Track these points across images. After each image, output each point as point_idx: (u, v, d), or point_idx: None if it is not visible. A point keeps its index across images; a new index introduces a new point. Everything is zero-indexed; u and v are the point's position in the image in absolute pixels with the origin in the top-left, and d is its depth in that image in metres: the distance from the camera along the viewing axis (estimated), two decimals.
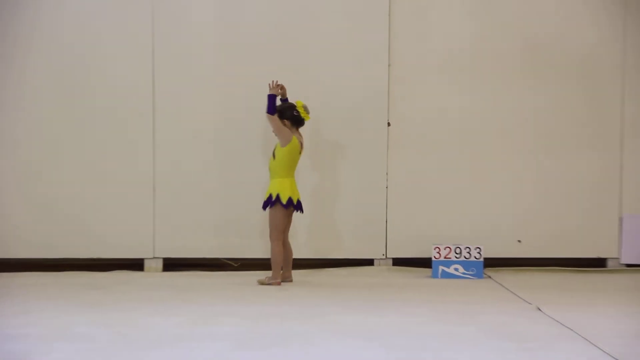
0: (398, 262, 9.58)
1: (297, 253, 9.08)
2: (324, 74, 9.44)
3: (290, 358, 5.96)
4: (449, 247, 9.19)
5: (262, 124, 9.19)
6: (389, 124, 9.51)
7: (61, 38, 9.26)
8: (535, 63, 9.57)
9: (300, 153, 8.52)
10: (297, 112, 8.51)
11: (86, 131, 9.31)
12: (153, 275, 9.23)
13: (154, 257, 9.41)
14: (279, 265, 8.53)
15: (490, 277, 9.18)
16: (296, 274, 9.11)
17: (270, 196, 8.43)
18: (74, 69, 9.27)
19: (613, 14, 9.57)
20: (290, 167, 8.46)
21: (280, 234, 8.46)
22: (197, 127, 9.39)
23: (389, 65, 9.48)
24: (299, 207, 8.52)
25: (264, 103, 8.96)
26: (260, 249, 9.41)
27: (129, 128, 9.34)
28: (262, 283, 8.56)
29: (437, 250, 9.19)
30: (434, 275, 9.18)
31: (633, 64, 9.58)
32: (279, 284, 8.55)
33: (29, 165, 9.27)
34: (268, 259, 9.30)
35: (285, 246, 8.63)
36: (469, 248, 9.18)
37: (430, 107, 9.54)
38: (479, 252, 9.17)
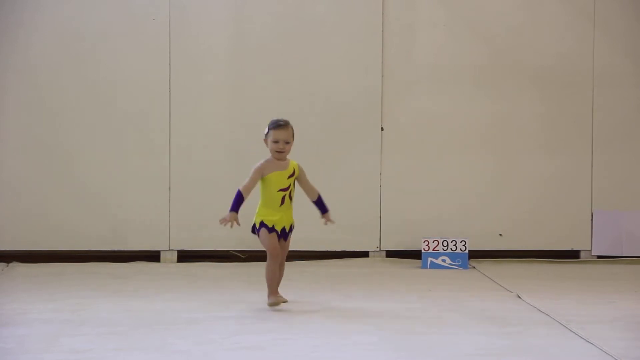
0: (390, 254, 9.55)
1: (299, 246, 8.97)
2: (324, 85, 9.42)
3: (293, 341, 5.94)
4: (437, 240, 9.16)
5: None
6: (382, 129, 9.49)
7: (85, 49, 9.24)
8: (513, 74, 9.55)
9: None
10: None
11: (108, 132, 9.28)
12: (168, 265, 9.20)
13: (170, 249, 9.37)
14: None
15: (474, 267, 9.16)
16: (298, 264, 9.09)
17: (292, 226, 7.30)
18: (97, 72, 9.25)
19: (582, 28, 9.54)
20: None
21: None
22: (210, 129, 9.37)
23: (382, 77, 9.46)
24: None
25: (271, 107, 8.99)
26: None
27: (148, 129, 9.31)
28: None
29: (426, 243, 9.16)
30: (424, 266, 9.15)
31: (599, 75, 9.56)
32: None
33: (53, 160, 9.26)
34: None
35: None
36: (455, 241, 9.16)
37: (419, 114, 9.52)
38: (464, 245, 9.15)
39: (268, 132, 7.17)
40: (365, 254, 9.54)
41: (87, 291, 7.69)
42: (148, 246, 9.37)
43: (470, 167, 9.56)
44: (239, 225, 7.04)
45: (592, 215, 9.62)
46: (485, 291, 7.87)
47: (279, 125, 7.16)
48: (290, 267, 8.86)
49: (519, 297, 7.50)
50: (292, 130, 7.18)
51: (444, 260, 9.14)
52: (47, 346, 5.73)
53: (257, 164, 7.18)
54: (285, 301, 7.04)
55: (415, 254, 9.37)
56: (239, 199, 7.09)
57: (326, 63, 9.44)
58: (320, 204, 7.41)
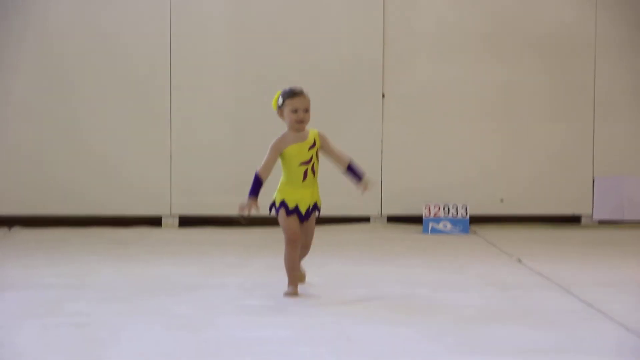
0: (392, 219, 9.55)
1: None
2: (325, 54, 9.40)
3: (294, 306, 5.94)
4: (438, 205, 9.16)
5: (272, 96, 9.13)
6: (383, 96, 9.47)
7: (85, 18, 9.23)
8: (515, 41, 9.53)
9: None
10: None
11: (109, 98, 9.27)
12: (170, 231, 9.20)
13: (171, 215, 9.38)
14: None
15: (475, 232, 9.16)
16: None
17: (317, 206, 6.44)
18: (98, 45, 9.24)
19: None
20: None
21: None
22: (212, 95, 9.36)
23: (383, 45, 9.43)
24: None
25: (271, 74, 8.98)
26: (266, 208, 9.37)
27: (148, 95, 9.30)
28: None
29: (428, 208, 9.16)
30: (425, 231, 9.15)
31: (602, 43, 9.53)
32: None
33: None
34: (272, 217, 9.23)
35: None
36: (456, 206, 9.16)
37: (420, 81, 9.50)
38: (465, 210, 9.15)
39: (283, 103, 6.30)
40: (366, 219, 9.54)
41: (90, 256, 7.70)
42: (149, 211, 9.37)
43: (472, 134, 9.55)
44: (258, 210, 6.31)
45: (593, 181, 9.61)
46: (486, 256, 7.88)
47: (295, 93, 6.32)
48: None
49: (520, 261, 7.51)
50: (309, 97, 6.34)
51: (445, 226, 9.15)
52: (49, 310, 5.74)
53: (273, 141, 6.32)
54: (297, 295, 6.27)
55: (416, 219, 9.37)
56: (257, 183, 6.32)
57: (326, 31, 9.40)
58: (353, 172, 6.52)
